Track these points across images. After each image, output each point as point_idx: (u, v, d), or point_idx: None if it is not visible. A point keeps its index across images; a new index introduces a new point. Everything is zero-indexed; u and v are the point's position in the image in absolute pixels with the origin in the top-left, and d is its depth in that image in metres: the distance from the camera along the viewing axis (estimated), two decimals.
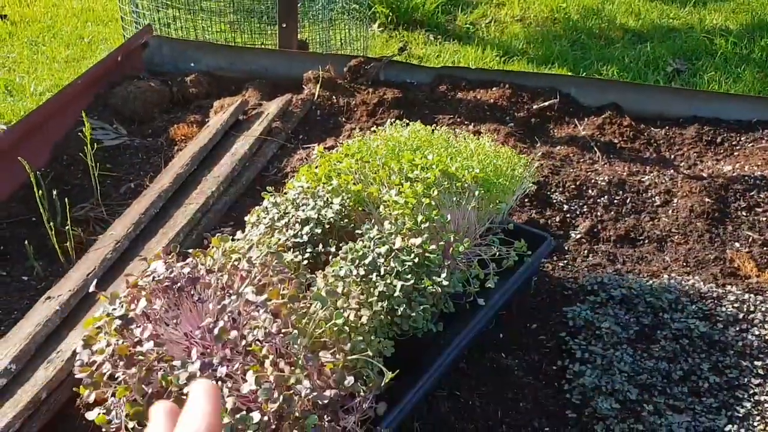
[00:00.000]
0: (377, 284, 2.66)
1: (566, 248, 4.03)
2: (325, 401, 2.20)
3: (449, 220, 2.96)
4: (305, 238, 2.92)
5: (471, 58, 8.58)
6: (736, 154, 4.93)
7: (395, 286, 2.66)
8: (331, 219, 2.98)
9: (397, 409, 2.58)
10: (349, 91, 5.43)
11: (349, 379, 2.29)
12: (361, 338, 2.50)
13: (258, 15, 7.65)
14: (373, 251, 2.78)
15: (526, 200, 4.32)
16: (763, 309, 3.44)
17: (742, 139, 5.10)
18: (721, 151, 4.96)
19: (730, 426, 2.88)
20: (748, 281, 3.77)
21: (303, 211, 3.02)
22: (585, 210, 4.29)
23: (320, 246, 2.93)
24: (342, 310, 2.56)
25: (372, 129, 4.89)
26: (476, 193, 3.13)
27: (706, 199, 4.30)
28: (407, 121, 3.87)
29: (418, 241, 2.82)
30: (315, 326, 2.46)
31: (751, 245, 4.05)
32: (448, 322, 3.06)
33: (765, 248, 4.02)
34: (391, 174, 3.22)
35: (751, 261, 3.90)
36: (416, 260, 2.76)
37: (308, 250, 2.90)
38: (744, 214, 4.28)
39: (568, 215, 4.26)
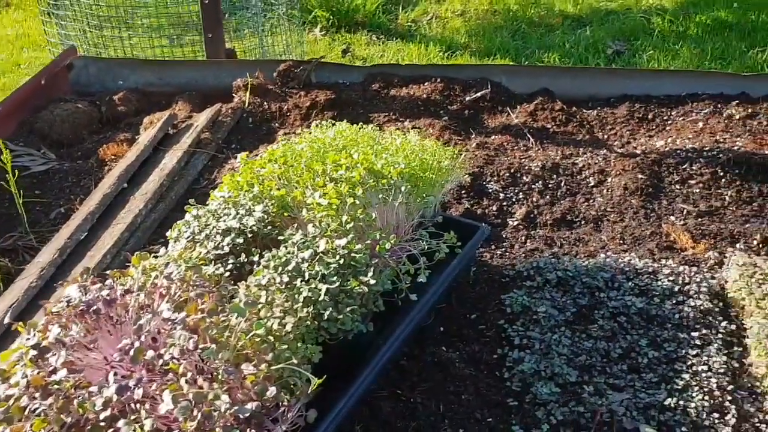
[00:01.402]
0: (302, 290, 2.61)
1: (504, 236, 4.02)
2: (247, 414, 2.13)
3: (375, 218, 2.91)
4: (227, 249, 2.85)
5: (414, 56, 8.55)
6: (668, 129, 4.99)
7: (320, 289, 2.61)
8: (254, 227, 2.91)
9: (330, 416, 2.52)
10: (281, 96, 5.36)
11: (271, 390, 2.22)
12: (285, 347, 2.44)
13: (194, 27, 7.53)
14: (296, 256, 2.72)
15: (462, 192, 4.30)
16: (697, 280, 3.47)
17: (673, 113, 5.17)
18: (653, 127, 5.01)
19: (669, 399, 2.89)
20: (684, 254, 3.80)
21: (224, 221, 2.94)
22: (521, 197, 4.29)
23: (243, 256, 2.86)
24: (265, 320, 2.50)
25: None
26: (403, 188, 3.09)
27: (640, 176, 4.34)
28: (333, 123, 3.82)
29: (342, 242, 2.77)
30: (236, 339, 2.39)
31: (686, 218, 4.09)
32: (387, 321, 3.02)
33: (699, 219, 4.07)
34: (315, 176, 3.16)
35: (686, 233, 3.93)
36: (342, 261, 2.71)
37: (230, 261, 2.83)
38: (678, 187, 4.33)
39: (504, 203, 4.25)
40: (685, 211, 4.13)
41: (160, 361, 2.34)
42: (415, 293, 2.93)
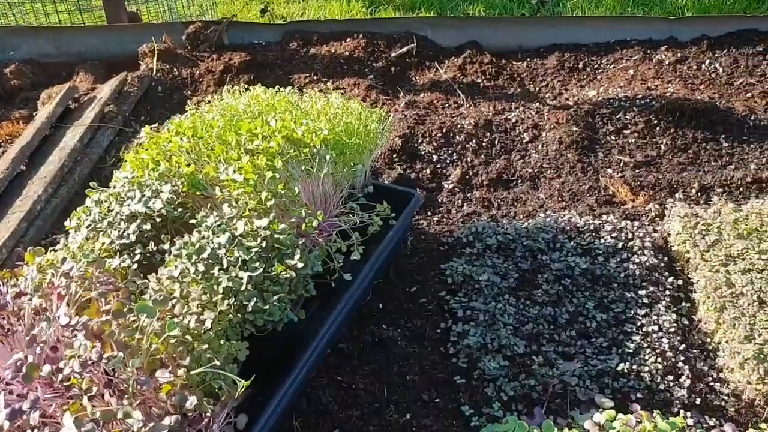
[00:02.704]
0: (220, 279, 2.31)
1: (440, 200, 3.80)
2: (155, 429, 1.85)
3: (299, 193, 2.63)
4: (133, 237, 2.51)
5: (336, 12, 8.14)
6: (599, 77, 4.84)
7: (241, 278, 2.32)
8: (162, 211, 2.58)
9: (262, 419, 2.26)
10: (192, 61, 4.93)
11: (191, 400, 1.95)
12: (206, 346, 2.15)
13: None
14: (212, 242, 2.42)
15: (393, 156, 4.05)
16: (640, 235, 3.34)
17: (603, 61, 5.02)
18: (584, 76, 4.86)
19: (622, 365, 2.76)
20: (624, 207, 3.67)
21: (128, 206, 2.60)
22: (455, 158, 4.06)
23: (152, 244, 2.53)
24: (181, 317, 2.20)
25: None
26: (328, 157, 2.80)
27: (574, 128, 4.18)
28: (247, 87, 3.48)
29: (264, 222, 2.48)
30: (148, 342, 2.09)
31: (623, 169, 3.96)
32: (321, 304, 2.76)
33: (637, 171, 3.95)
34: (228, 149, 2.83)
35: (625, 186, 3.80)
36: (264, 245, 2.42)
37: (138, 251, 2.50)
38: (613, 138, 4.19)
39: (438, 166, 4.02)
40: (622, 162, 4.00)
41: (60, 376, 2.03)
42: (350, 272, 2.69)
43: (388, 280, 3.23)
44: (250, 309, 2.28)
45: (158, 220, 2.57)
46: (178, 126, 3.02)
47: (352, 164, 2.92)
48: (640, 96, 4.41)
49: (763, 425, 2.60)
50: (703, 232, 3.29)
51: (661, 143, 4.13)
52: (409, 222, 3.33)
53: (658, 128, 4.22)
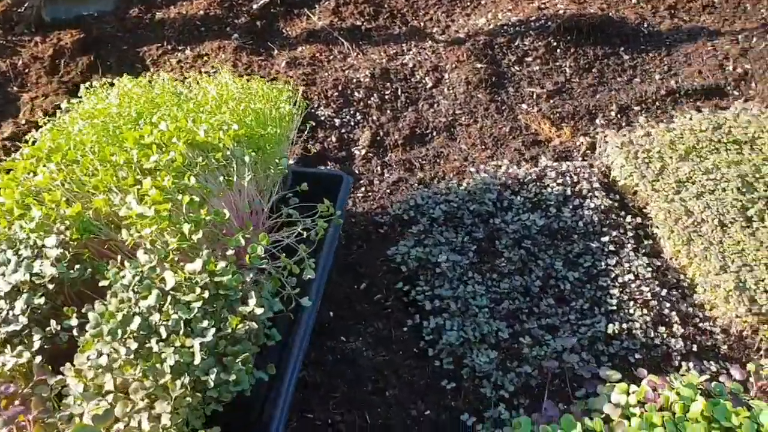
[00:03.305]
0: (164, 355, 1.77)
1: (357, 171, 3.35)
2: None
3: (228, 217, 2.08)
4: (24, 319, 1.88)
5: None
6: (482, 2, 4.48)
7: (191, 347, 1.79)
8: (55, 274, 1.95)
9: None
10: (10, 48, 4.01)
11: None
12: None
13: None
14: (136, 306, 1.85)
15: (293, 138, 3.52)
16: (585, 176, 3.11)
17: None
18: (467, 3, 4.48)
19: (611, 326, 2.54)
20: (553, 145, 3.42)
21: (3, 276, 1.94)
22: (359, 118, 3.60)
23: (53, 323, 1.91)
24: (128, 420, 1.66)
25: (62, 92, 3.67)
26: (247, 159, 2.26)
27: (478, 65, 3.84)
28: (108, 79, 2.79)
29: (197, 264, 1.93)
30: None
31: (538, 101, 3.70)
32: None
33: (551, 101, 3.70)
34: (117, 170, 2.20)
35: (546, 121, 3.55)
36: (206, 295, 1.89)
37: (36, 336, 1.87)
38: (517, 69, 3.90)
39: (343, 131, 3.54)
40: (534, 94, 3.73)
41: None
42: (304, 294, 2.21)
43: (332, 282, 2.78)
44: (211, 384, 1.77)
45: (51, 287, 1.94)
46: (35, 150, 2.33)
47: (276, 160, 2.40)
48: (533, 18, 4.13)
49: (761, 361, 2.50)
50: (647, 161, 3.11)
51: (566, 66, 3.90)
52: (343, 215, 2.86)
53: (558, 50, 3.98)
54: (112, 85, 2.73)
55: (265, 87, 2.61)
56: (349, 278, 2.81)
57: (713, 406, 2.15)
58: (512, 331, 2.54)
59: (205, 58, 3.98)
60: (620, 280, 2.71)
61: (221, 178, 2.21)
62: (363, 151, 3.44)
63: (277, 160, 2.39)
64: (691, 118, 3.37)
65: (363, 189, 3.24)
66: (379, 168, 3.35)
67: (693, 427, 2.08)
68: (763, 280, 2.62)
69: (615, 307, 2.62)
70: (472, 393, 2.40)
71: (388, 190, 3.20)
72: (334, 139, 3.49)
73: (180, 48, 4.08)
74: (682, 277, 2.78)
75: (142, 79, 2.71)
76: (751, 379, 2.41)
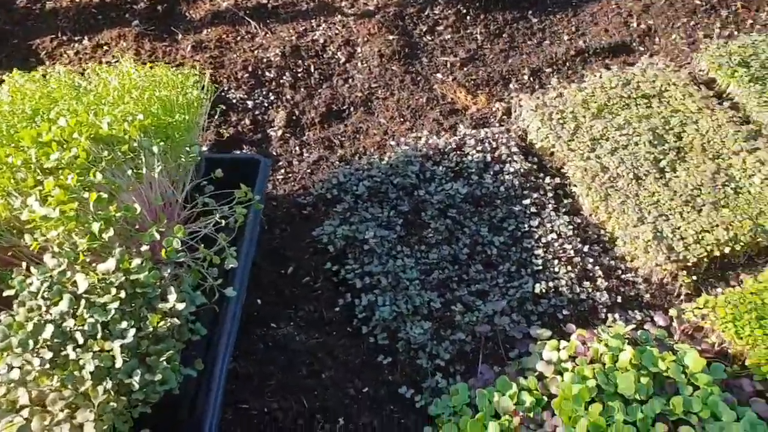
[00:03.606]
0: (82, 361, 1.68)
1: (274, 153, 3.27)
2: None
3: (140, 211, 1.99)
4: None
5: None
6: None
7: (110, 350, 1.70)
8: None
9: None
10: None
11: None
12: None
13: None
14: (47, 314, 1.75)
15: (204, 123, 3.39)
16: (503, 141, 3.13)
17: None
18: None
19: (538, 285, 2.58)
20: (470, 112, 3.43)
21: None
22: (273, 99, 3.51)
23: None
24: (51, 429, 1.57)
25: None
26: (155, 149, 2.16)
27: (389, 37, 3.79)
28: None
29: (110, 264, 1.84)
30: None
31: (453, 70, 3.69)
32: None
33: (465, 69, 3.70)
34: (15, 172, 2.07)
35: (461, 89, 3.55)
36: (123, 295, 1.80)
37: None
38: (429, 38, 3.88)
39: (256, 113, 3.44)
40: (448, 63, 3.73)
41: None
42: (222, 280, 2.14)
43: (257, 268, 2.71)
44: (136, 387, 1.69)
45: None
46: None
47: (187, 148, 2.30)
48: None
49: (682, 306, 2.59)
50: (561, 122, 3.16)
51: (476, 33, 3.91)
52: (263, 195, 2.79)
53: (468, 17, 3.98)
54: (1, 82, 2.55)
55: (169, 73, 2.50)
56: (275, 263, 2.75)
57: (641, 353, 2.22)
58: (444, 300, 2.54)
59: (105, 47, 3.79)
60: (544, 240, 2.75)
61: (129, 172, 2.11)
62: (279, 132, 3.36)
63: (188, 148, 2.30)
64: (600, 77, 3.43)
65: (282, 171, 3.16)
66: (297, 148, 3.28)
67: (623, 376, 2.14)
68: (679, 228, 2.71)
69: (540, 267, 2.66)
70: (408, 365, 2.40)
71: (309, 170, 3.14)
72: (248, 121, 3.39)
73: (77, 38, 3.87)
74: (602, 232, 2.84)
75: (35, 73, 2.55)
76: (674, 324, 2.51)
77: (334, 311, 2.60)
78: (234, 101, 3.49)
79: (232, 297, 2.12)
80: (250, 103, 3.48)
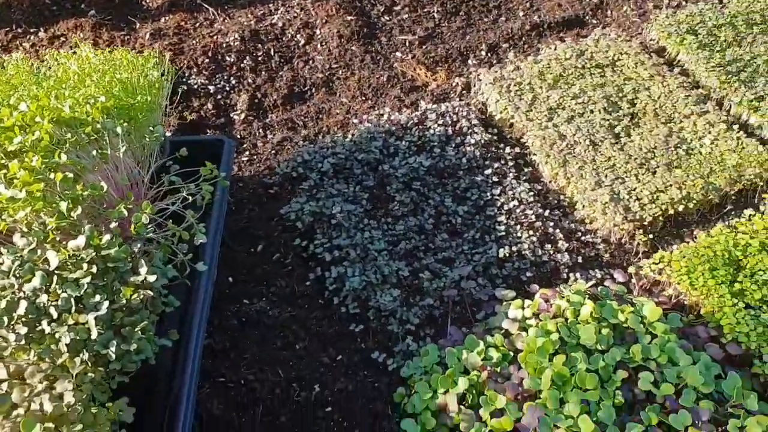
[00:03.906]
0: (58, 335, 1.71)
1: (238, 136, 3.30)
2: None
3: (107, 189, 2.01)
4: None
5: None
6: None
7: (86, 323, 1.74)
8: None
9: None
10: None
11: None
12: (80, 427, 1.60)
13: None
14: (20, 291, 1.77)
15: (165, 106, 3.41)
16: (464, 113, 3.20)
17: None
18: None
19: (502, 250, 2.66)
20: (430, 89, 3.49)
21: None
22: (234, 83, 3.53)
23: None
24: (27, 405, 1.60)
25: None
26: (119, 130, 2.18)
27: (348, 18, 3.84)
28: None
29: (80, 241, 1.86)
30: None
31: (411, 49, 3.75)
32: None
33: (424, 47, 3.76)
34: None
35: (421, 66, 3.61)
36: (94, 270, 1.83)
37: None
38: (387, 18, 3.93)
39: (218, 97, 3.46)
40: (407, 42, 3.79)
41: None
42: (192, 254, 2.18)
43: (227, 248, 2.75)
44: (113, 357, 1.73)
45: None
46: None
47: (150, 128, 2.32)
48: None
49: (640, 263, 2.70)
50: (519, 94, 3.24)
51: (434, 11, 3.97)
52: (228, 176, 2.82)
53: None
54: None
55: (129, 56, 2.52)
56: (245, 243, 2.79)
57: (601, 307, 2.32)
58: (412, 269, 2.61)
59: (62, 38, 3.77)
60: (506, 207, 2.84)
61: (94, 152, 2.13)
62: (242, 115, 3.39)
63: (151, 128, 2.33)
64: (555, 49, 3.52)
65: (247, 153, 3.20)
66: (261, 130, 3.32)
67: (584, 328, 2.23)
68: (634, 190, 2.82)
69: (504, 233, 2.75)
70: (380, 332, 2.46)
71: (273, 151, 3.18)
72: (210, 106, 3.42)
73: (32, 30, 3.84)
74: (562, 197, 2.94)
75: None
76: (633, 280, 2.61)
77: (305, 285, 2.65)
78: (195, 86, 3.51)
79: (203, 271, 2.16)
80: (211, 88, 3.50)
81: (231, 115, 3.41)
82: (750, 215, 2.78)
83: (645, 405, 2.11)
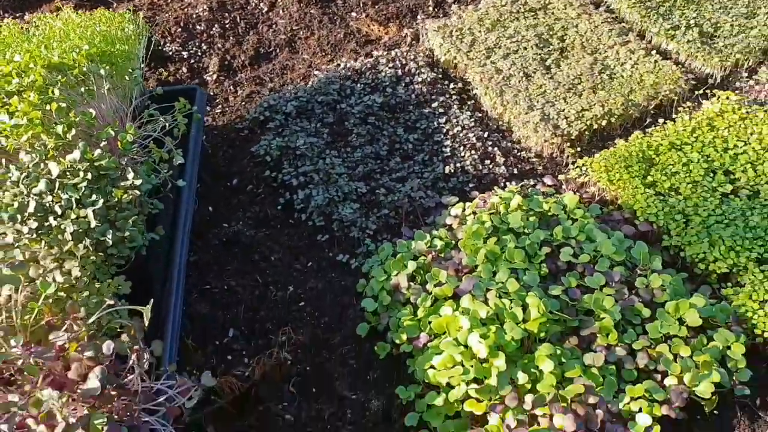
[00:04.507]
0: (63, 226, 2.06)
1: (212, 94, 3.65)
2: (97, 393, 1.69)
3: (95, 116, 2.37)
4: None
5: None
6: None
7: (86, 216, 2.09)
8: None
9: (167, 341, 2.15)
10: None
11: (107, 344, 1.78)
12: (86, 293, 1.95)
13: None
14: (29, 195, 2.12)
15: (142, 67, 3.75)
16: (411, 57, 3.56)
17: None
18: None
19: (447, 167, 3.03)
20: (383, 42, 3.85)
21: None
22: (205, 48, 3.88)
23: None
24: (44, 275, 1.95)
25: None
26: (102, 72, 2.54)
27: None
28: None
29: (76, 154, 2.22)
30: (18, 315, 1.84)
31: (365, 8, 4.10)
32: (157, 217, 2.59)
33: (377, 6, 4.11)
34: None
35: (374, 23, 3.98)
36: (90, 176, 2.18)
37: None
38: None
39: (192, 61, 3.82)
40: (361, 2, 4.15)
41: None
42: (171, 171, 2.54)
43: (204, 185, 3.10)
44: (110, 242, 2.08)
45: None
46: None
47: (129, 70, 2.68)
48: None
49: (569, 174, 3.07)
50: (460, 38, 3.61)
51: None
52: (202, 119, 3.18)
53: None
54: None
55: (107, 14, 2.87)
56: (222, 179, 3.14)
57: (528, 201, 2.69)
58: (369, 188, 2.97)
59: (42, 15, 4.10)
60: (451, 133, 3.21)
61: (82, 89, 2.48)
62: (214, 76, 3.74)
63: (130, 70, 2.68)
64: None
65: (220, 107, 3.55)
66: (232, 87, 3.67)
67: (513, 215, 2.60)
68: (563, 111, 3.19)
69: (449, 154, 3.11)
70: (344, 240, 2.83)
71: (243, 103, 3.54)
72: (185, 69, 3.77)
73: (18, 15, 4.17)
74: (500, 122, 3.31)
75: None
76: (564, 186, 2.98)
77: (277, 209, 3.01)
78: (170, 53, 3.86)
79: (183, 186, 2.52)
80: (185, 54, 3.85)
81: (204, 77, 3.76)
82: (663, 123, 3.16)
83: (566, 273, 2.48)
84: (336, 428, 2.29)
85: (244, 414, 2.33)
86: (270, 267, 2.79)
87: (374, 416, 2.31)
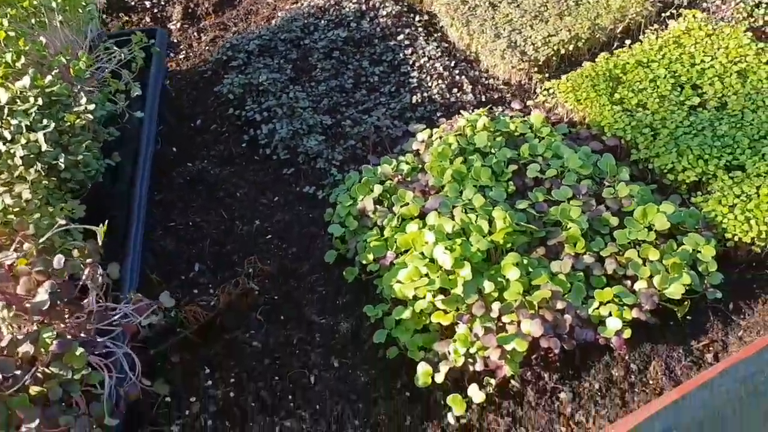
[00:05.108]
0: (13, 150, 2.01)
1: (175, 41, 3.59)
2: (46, 306, 1.66)
3: (46, 44, 2.31)
4: None
5: None
6: None
7: (36, 140, 2.04)
8: None
9: (127, 268, 2.11)
10: None
11: (58, 258, 1.74)
12: (38, 215, 1.91)
13: None
14: None
15: (105, 17, 3.68)
16: None
17: None
18: None
19: (414, 98, 2.99)
20: None
21: None
22: None
23: None
24: None
25: None
26: (54, 4, 2.47)
27: None
28: None
29: (26, 81, 2.16)
30: None
31: None
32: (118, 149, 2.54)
33: None
34: None
35: None
36: (41, 102, 2.13)
37: None
38: None
39: (155, 11, 3.75)
40: None
41: None
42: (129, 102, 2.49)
43: (167, 127, 3.05)
44: (63, 166, 2.04)
45: None
46: None
47: (83, 3, 2.61)
48: None
49: (537, 99, 3.03)
50: None
51: None
52: (163, 62, 3.11)
53: None
54: None
55: None
56: (185, 119, 3.09)
57: (495, 122, 2.65)
58: (335, 120, 2.93)
59: None
60: (417, 64, 3.16)
61: (33, 21, 2.42)
62: (178, 24, 3.67)
63: (84, 3, 2.61)
64: None
65: (184, 52, 3.49)
66: (195, 34, 3.61)
67: (479, 135, 2.56)
68: (530, 37, 3.14)
69: (416, 85, 3.07)
70: (310, 172, 2.79)
71: (207, 47, 3.47)
72: (148, 19, 3.70)
73: None
74: (468, 53, 3.26)
75: None
76: (532, 111, 2.94)
77: (242, 147, 2.96)
78: (133, 3, 3.78)
79: (143, 118, 2.47)
80: (147, 3, 3.78)
81: (168, 26, 3.69)
82: (630, 45, 3.12)
83: (533, 189, 2.45)
84: (305, 352, 2.27)
85: (210, 343, 2.29)
86: (236, 203, 2.75)
87: (343, 338, 2.28)
